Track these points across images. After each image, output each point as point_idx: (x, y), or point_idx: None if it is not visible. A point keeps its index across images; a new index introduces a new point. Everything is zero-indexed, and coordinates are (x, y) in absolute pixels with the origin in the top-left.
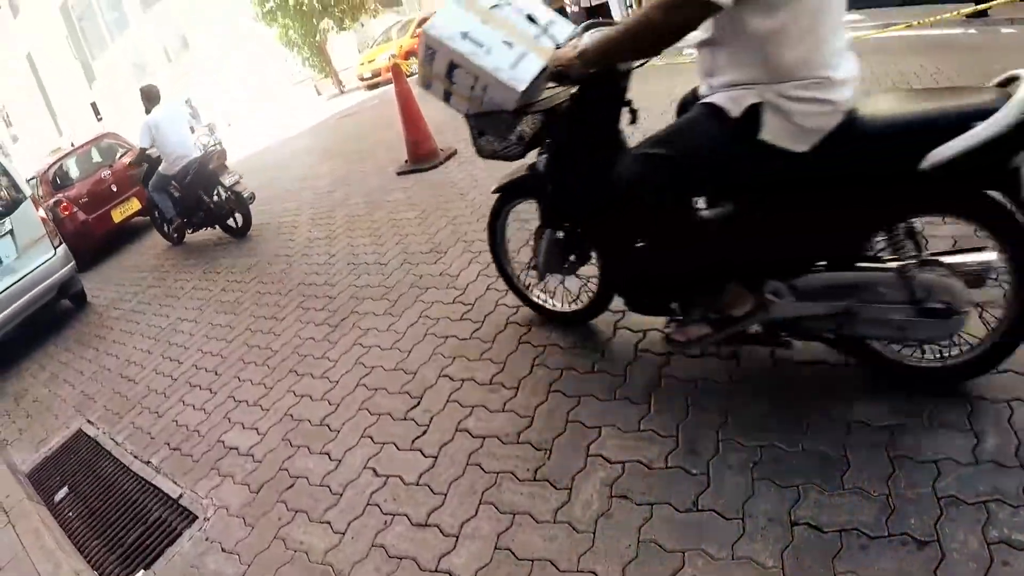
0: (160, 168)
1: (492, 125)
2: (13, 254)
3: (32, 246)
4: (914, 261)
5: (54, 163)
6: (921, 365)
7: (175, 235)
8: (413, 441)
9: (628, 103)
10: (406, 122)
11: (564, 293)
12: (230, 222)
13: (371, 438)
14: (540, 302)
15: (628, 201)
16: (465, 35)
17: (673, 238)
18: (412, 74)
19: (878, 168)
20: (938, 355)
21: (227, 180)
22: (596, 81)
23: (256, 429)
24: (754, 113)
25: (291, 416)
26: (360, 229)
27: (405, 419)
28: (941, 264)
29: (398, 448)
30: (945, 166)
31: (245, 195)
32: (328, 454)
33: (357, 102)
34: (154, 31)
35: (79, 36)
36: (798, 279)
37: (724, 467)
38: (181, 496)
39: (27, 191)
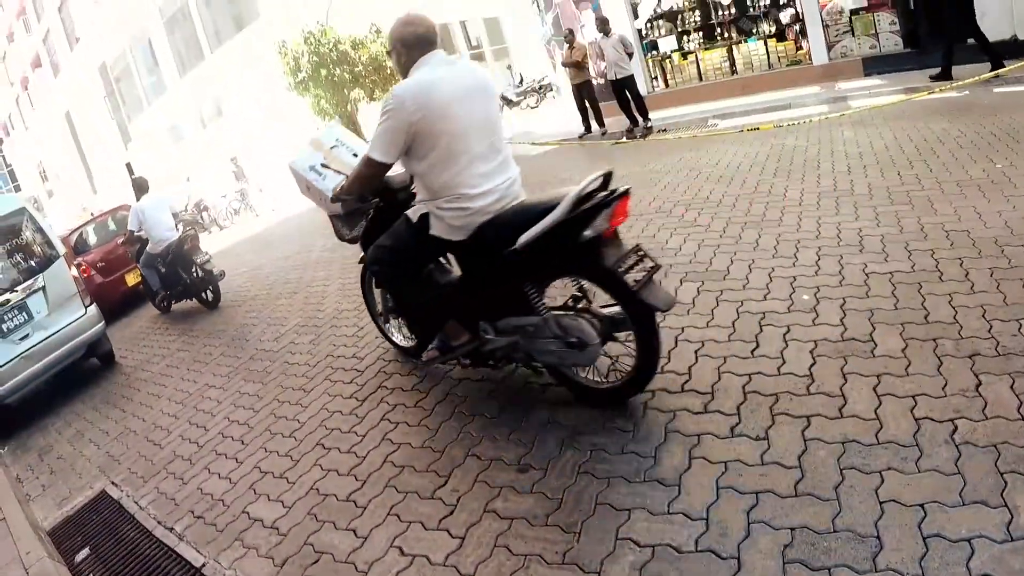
0: (148, 248)
1: (341, 221)
2: (44, 311)
3: (63, 304)
4: (561, 310)
5: (75, 229)
6: (593, 386)
7: (162, 304)
8: (440, 521)
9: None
10: None
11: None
12: (204, 295)
13: (398, 516)
14: (396, 341)
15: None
16: (312, 167)
17: (408, 294)
18: None
19: (502, 248)
20: (603, 379)
21: (199, 259)
22: (384, 197)
23: (282, 502)
24: (425, 218)
25: (317, 490)
26: None
27: (432, 498)
28: (579, 311)
29: (425, 528)
30: (531, 245)
31: (215, 272)
32: (354, 531)
33: None
34: (190, 96)
35: (117, 97)
36: (498, 321)
37: (755, 550)
38: (204, 566)
39: (61, 249)
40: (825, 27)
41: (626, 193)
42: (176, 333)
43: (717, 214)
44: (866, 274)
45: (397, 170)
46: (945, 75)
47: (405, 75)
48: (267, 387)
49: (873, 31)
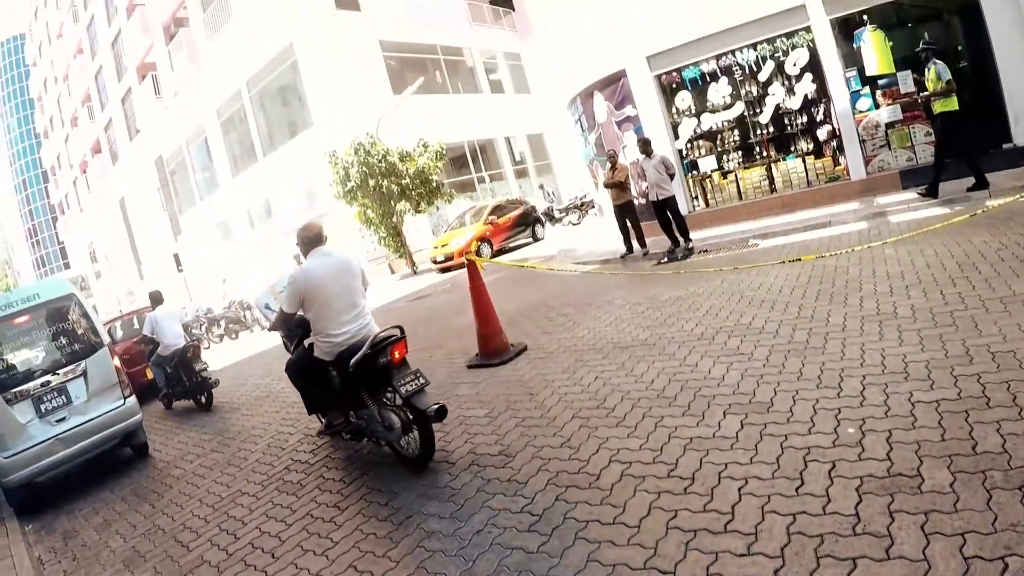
0: (159, 350)
1: (287, 340)
2: (83, 396)
3: (103, 392)
4: (384, 406)
5: (108, 322)
6: (406, 455)
7: (165, 399)
8: None
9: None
10: (478, 316)
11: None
12: (200, 398)
13: None
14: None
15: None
16: (266, 305)
17: (306, 391)
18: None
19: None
20: (410, 452)
21: (198, 367)
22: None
23: None
24: (312, 346)
25: None
26: None
27: None
28: (392, 407)
29: None
30: (355, 366)
31: (211, 380)
32: None
33: (429, 284)
34: (241, 196)
35: (170, 189)
36: (356, 410)
37: None
38: None
39: (105, 338)
40: (862, 142)
41: (401, 339)
42: (212, 433)
43: (760, 341)
44: (912, 403)
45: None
46: (980, 185)
47: (306, 256)
48: (301, 500)
49: (909, 143)
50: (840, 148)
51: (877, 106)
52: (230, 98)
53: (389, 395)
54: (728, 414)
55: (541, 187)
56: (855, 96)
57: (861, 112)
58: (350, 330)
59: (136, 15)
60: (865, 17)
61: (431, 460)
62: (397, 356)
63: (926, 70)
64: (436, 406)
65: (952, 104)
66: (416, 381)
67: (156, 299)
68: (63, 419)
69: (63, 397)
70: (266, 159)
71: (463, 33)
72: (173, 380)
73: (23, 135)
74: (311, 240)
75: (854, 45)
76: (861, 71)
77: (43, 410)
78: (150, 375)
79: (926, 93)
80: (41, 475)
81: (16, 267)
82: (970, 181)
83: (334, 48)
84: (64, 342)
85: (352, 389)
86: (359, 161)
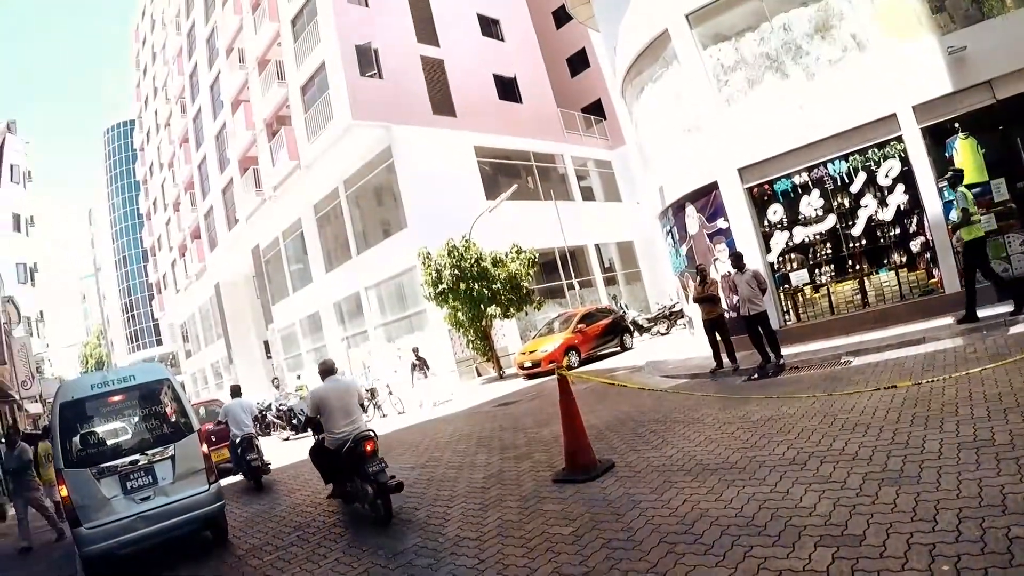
0: (231, 435)
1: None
2: (169, 478)
3: (189, 476)
4: (363, 479)
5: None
6: (377, 516)
7: (235, 472)
8: None
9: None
10: (566, 430)
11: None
12: (253, 481)
13: None
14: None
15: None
16: (302, 410)
17: (321, 468)
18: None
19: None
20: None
21: (248, 456)
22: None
23: None
24: (323, 439)
25: None
26: (512, 537)
27: None
28: (369, 480)
29: None
30: (345, 453)
31: (263, 466)
32: None
33: (515, 390)
34: (332, 290)
35: (264, 279)
36: (350, 482)
37: None
38: None
39: (196, 424)
40: (956, 254)
41: (372, 438)
42: (292, 527)
43: (853, 468)
44: (1009, 539)
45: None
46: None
47: (323, 380)
48: None
49: (1004, 253)
50: (934, 260)
51: None
52: (327, 195)
53: (366, 472)
54: (819, 546)
55: (613, 297)
56: (948, 206)
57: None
58: (346, 431)
59: (241, 111)
60: (956, 124)
61: (391, 520)
62: (368, 448)
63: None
64: (394, 482)
65: (977, 232)
66: (379, 465)
67: (234, 392)
68: (147, 498)
69: (149, 477)
70: (360, 256)
71: (556, 140)
72: (238, 462)
73: (126, 215)
74: (326, 371)
75: (946, 154)
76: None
77: (129, 487)
78: (215, 458)
79: (954, 227)
80: (121, 549)
81: (111, 338)
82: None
83: (430, 152)
84: (155, 424)
85: (346, 467)
86: (452, 263)
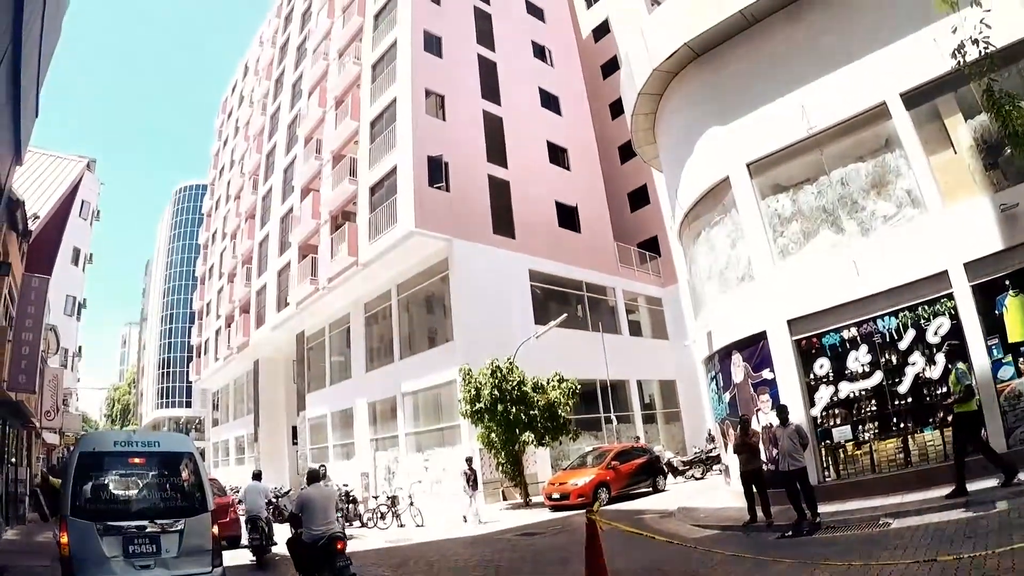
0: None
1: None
2: (174, 551)
3: (194, 554)
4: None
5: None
6: None
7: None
8: None
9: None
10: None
11: None
12: (254, 557)
13: None
14: None
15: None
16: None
17: (296, 558)
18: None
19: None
20: None
21: (340, 563)
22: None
23: None
24: (300, 533)
25: None
26: None
27: None
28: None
29: None
30: (319, 549)
31: (262, 546)
32: None
33: (540, 520)
34: (370, 391)
35: (304, 365)
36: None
37: None
38: None
39: (211, 503)
40: (1003, 413)
41: (342, 539)
42: None
43: None
44: None
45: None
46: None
47: (309, 484)
48: None
49: None
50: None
51: (1020, 375)
52: (379, 296)
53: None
54: None
55: (636, 439)
56: (996, 365)
57: (1003, 381)
58: (323, 529)
59: (309, 199)
60: (1007, 282)
61: None
62: (339, 546)
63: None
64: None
65: (969, 406)
66: (345, 561)
67: (255, 476)
68: (148, 567)
69: (154, 546)
70: (402, 361)
71: (609, 273)
72: (251, 537)
73: (181, 274)
74: (312, 477)
75: (996, 311)
76: (1003, 338)
77: (131, 551)
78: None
79: (949, 400)
80: None
81: (142, 389)
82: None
83: (485, 269)
84: (170, 495)
85: (319, 560)
86: (492, 384)
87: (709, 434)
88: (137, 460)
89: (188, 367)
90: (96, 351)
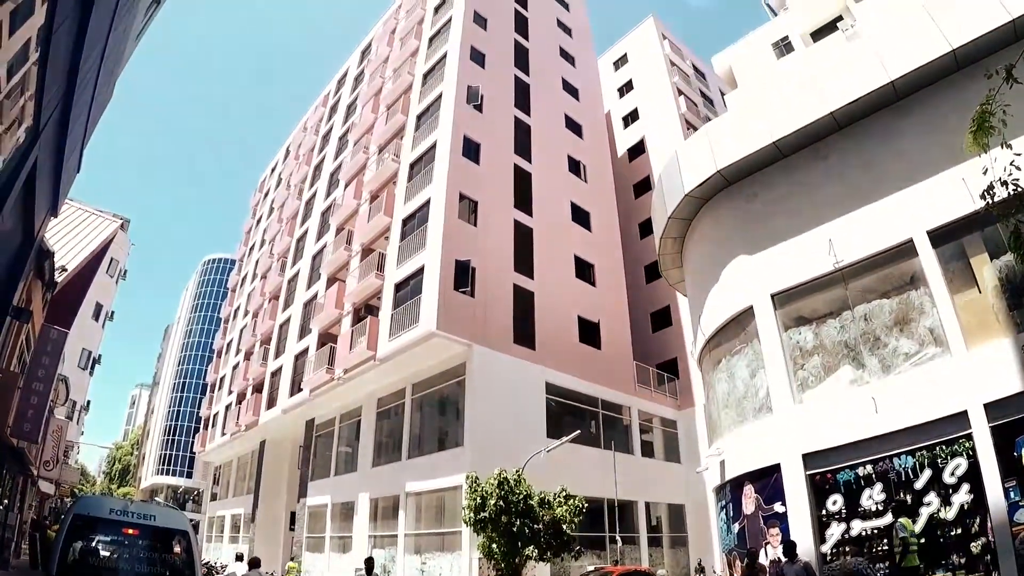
0: None
1: None
2: None
3: None
4: None
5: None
6: None
7: None
8: None
9: None
10: None
11: None
12: None
13: None
14: None
15: None
16: None
17: None
18: None
19: None
20: None
21: None
22: None
23: None
24: None
25: None
26: None
27: None
28: None
29: None
30: None
31: None
32: None
33: None
34: (374, 486)
35: (311, 452)
36: None
37: None
38: None
39: None
40: (1018, 557)
41: None
42: None
43: None
44: None
45: None
46: None
47: (249, 570)
48: None
49: None
50: (994, 563)
51: None
52: (393, 392)
53: None
54: None
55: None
56: (1013, 507)
57: (1019, 524)
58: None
59: (335, 288)
60: None
61: None
62: None
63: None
64: None
65: (912, 560)
66: None
67: (253, 563)
68: None
69: None
70: (409, 460)
71: (626, 392)
72: None
73: (199, 344)
74: (253, 564)
75: (1015, 453)
76: (1021, 481)
77: None
78: None
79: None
80: None
81: (144, 452)
82: None
83: (502, 378)
84: (159, 570)
85: None
86: (499, 495)
87: (699, 564)
88: (131, 531)
89: (194, 437)
90: (103, 406)
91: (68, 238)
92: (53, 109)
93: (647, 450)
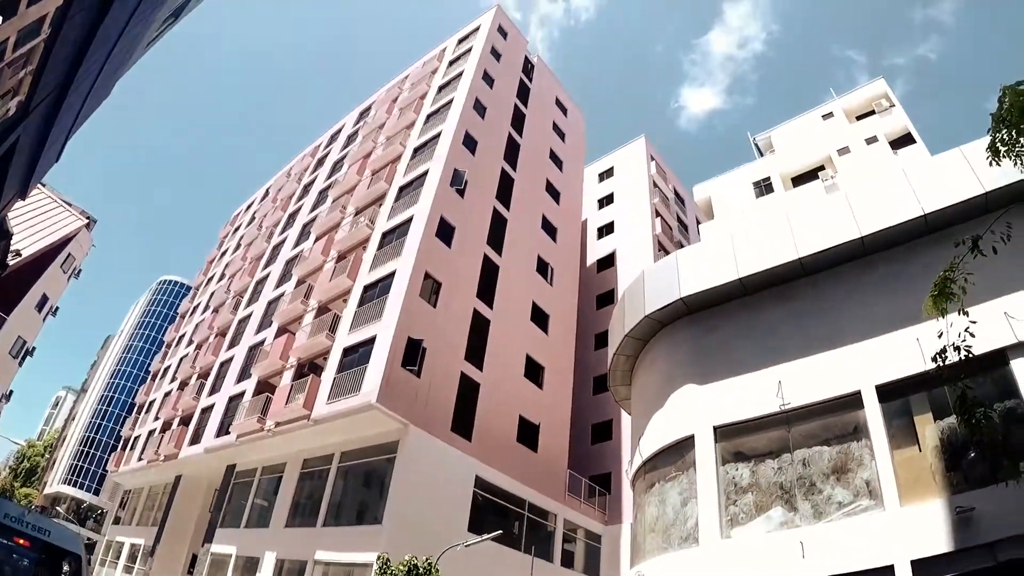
0: None
1: None
2: None
3: None
4: None
5: None
6: None
7: None
8: None
9: None
10: None
11: None
12: None
13: None
14: None
15: None
16: None
17: None
18: None
19: None
20: None
21: None
22: None
23: None
24: None
25: None
26: None
27: None
28: None
29: None
30: None
31: None
32: None
33: None
34: (282, 547)
35: (224, 498)
36: None
37: None
38: None
39: None
40: None
41: None
42: None
43: None
44: None
45: None
46: None
47: None
48: None
49: None
50: None
51: None
52: (320, 456)
53: None
54: None
55: None
56: None
57: None
58: None
59: (282, 340)
60: None
61: None
62: None
63: None
64: None
65: None
66: None
67: None
68: None
69: None
70: (323, 528)
71: (555, 499)
72: None
73: (136, 362)
74: None
75: None
76: None
77: None
78: None
79: None
80: None
81: (57, 457)
82: None
83: (433, 463)
84: None
85: None
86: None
87: None
88: (22, 541)
89: (110, 455)
90: (25, 401)
91: (31, 223)
92: (48, 93)
93: (567, 560)
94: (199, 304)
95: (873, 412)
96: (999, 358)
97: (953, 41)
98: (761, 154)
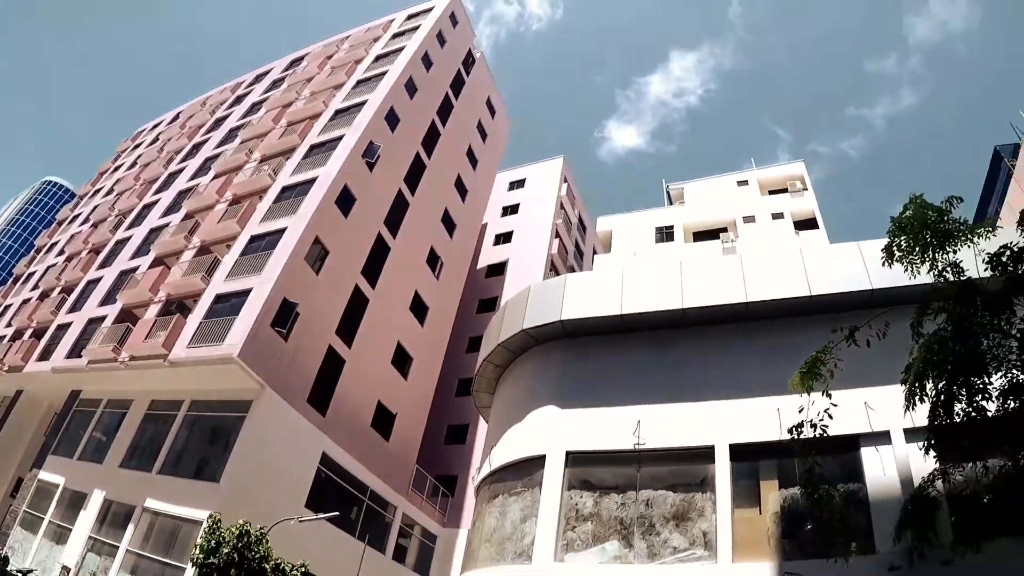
0: None
1: None
2: None
3: None
4: None
5: None
6: None
7: None
8: None
9: None
10: None
11: None
12: None
13: None
14: None
15: None
16: None
17: None
18: None
19: None
20: None
21: None
22: None
23: None
24: None
25: None
26: None
27: None
28: None
29: None
30: None
31: None
32: None
33: None
34: (112, 488)
35: (63, 422)
36: None
37: None
38: None
39: None
40: None
41: None
42: None
43: None
44: None
45: None
46: None
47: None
48: None
49: None
50: None
51: None
52: (169, 400)
53: None
54: None
55: None
56: None
57: None
58: None
59: (157, 270)
60: None
61: None
62: None
63: None
64: None
65: None
66: None
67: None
68: None
69: None
70: (159, 476)
71: (398, 492)
72: None
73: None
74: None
75: None
76: None
77: None
78: None
79: None
80: None
81: None
82: None
83: (282, 431)
84: None
85: None
86: (235, 546)
87: None
88: None
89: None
90: None
91: None
92: None
93: (399, 555)
94: (80, 214)
95: (723, 468)
96: (851, 443)
97: (878, 144)
98: (671, 202)
